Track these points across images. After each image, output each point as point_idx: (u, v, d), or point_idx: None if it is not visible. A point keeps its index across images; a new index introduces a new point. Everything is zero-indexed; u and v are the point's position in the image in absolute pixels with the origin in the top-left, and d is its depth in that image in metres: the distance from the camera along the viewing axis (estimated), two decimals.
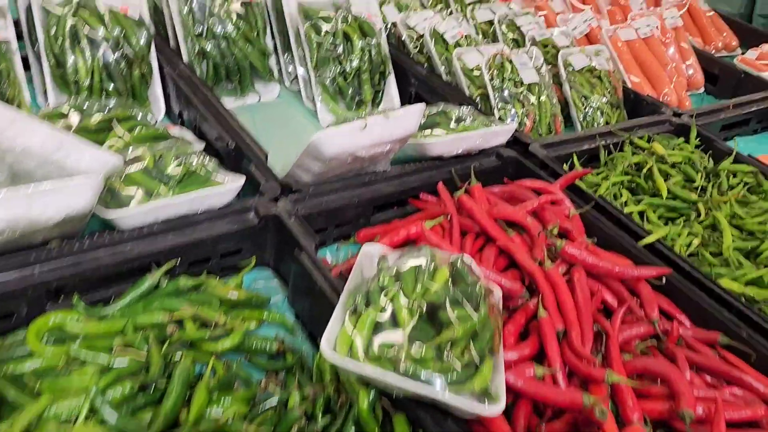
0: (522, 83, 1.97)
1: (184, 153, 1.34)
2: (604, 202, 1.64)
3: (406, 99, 2.16)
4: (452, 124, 1.66)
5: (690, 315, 1.40)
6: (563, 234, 1.52)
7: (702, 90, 2.83)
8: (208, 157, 1.38)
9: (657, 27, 2.60)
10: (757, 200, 1.75)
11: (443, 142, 1.59)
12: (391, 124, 1.40)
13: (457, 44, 2.15)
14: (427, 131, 1.62)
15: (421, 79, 2.14)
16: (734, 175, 1.87)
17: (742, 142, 2.48)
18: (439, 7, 2.61)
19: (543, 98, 1.99)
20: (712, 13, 3.34)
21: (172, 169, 1.26)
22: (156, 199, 1.22)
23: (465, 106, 1.76)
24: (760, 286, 1.46)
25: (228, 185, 1.31)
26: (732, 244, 1.54)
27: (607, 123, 2.18)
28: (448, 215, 1.45)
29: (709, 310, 1.37)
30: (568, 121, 2.21)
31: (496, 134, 1.68)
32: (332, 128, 1.31)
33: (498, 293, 1.25)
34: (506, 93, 1.96)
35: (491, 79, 1.96)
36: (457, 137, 1.60)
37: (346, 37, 1.98)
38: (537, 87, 2.00)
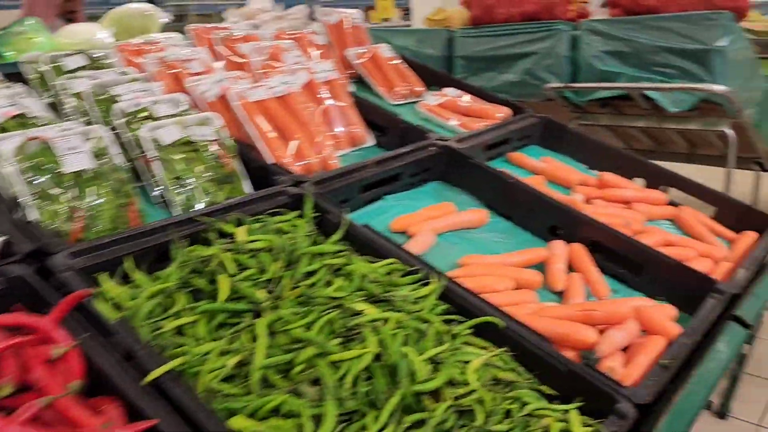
0: (66, 174, 1.60)
1: None
2: (123, 328, 1.30)
3: None
4: None
5: None
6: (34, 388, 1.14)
7: (370, 144, 2.68)
8: None
9: (298, 84, 2.39)
10: (334, 287, 1.52)
11: None
12: None
13: (3, 129, 1.73)
14: None
15: None
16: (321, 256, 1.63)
17: (393, 199, 2.34)
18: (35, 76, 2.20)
19: (102, 189, 1.63)
20: (397, 60, 3.29)
21: None
22: None
23: None
24: (284, 414, 1.19)
25: None
26: (265, 362, 1.26)
27: (214, 203, 1.88)
28: None
29: None
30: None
31: None
32: None
33: None
34: (46, 187, 1.57)
35: (23, 172, 1.56)
36: None
37: None
38: (93, 175, 1.64)
